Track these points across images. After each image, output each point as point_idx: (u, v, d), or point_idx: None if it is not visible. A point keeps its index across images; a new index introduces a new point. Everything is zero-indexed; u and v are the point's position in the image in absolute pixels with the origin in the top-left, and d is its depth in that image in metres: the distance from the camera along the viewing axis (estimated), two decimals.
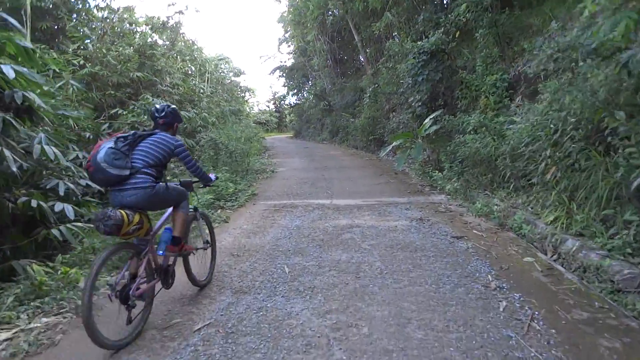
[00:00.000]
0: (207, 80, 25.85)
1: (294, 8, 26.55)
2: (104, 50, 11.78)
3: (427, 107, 11.59)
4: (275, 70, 35.92)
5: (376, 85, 14.12)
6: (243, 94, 36.58)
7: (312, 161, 14.08)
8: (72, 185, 5.33)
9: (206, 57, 27.16)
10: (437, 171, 9.40)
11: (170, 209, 3.53)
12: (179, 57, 18.85)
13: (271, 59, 44.77)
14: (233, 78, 34.51)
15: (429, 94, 11.44)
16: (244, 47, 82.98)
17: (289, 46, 32.71)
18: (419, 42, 11.08)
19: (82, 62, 11.49)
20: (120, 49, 12.67)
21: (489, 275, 3.77)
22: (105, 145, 2.97)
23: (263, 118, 47.52)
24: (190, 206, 3.75)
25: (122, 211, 2.85)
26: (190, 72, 24.25)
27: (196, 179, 3.81)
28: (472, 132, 8.42)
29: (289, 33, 30.48)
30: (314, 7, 22.11)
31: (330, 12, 22.76)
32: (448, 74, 11.13)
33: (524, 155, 6.13)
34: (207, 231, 4.17)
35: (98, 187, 5.15)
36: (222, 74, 28.94)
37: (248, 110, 41.66)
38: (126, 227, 2.84)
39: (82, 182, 6.07)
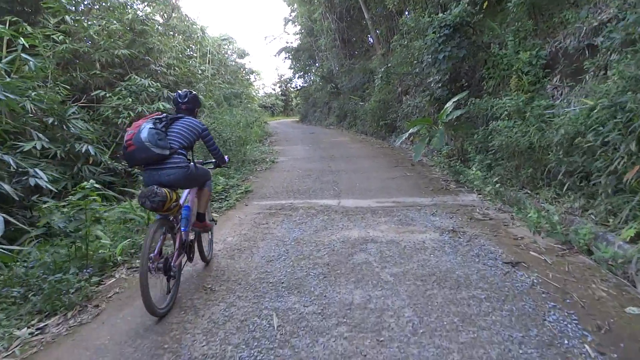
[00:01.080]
0: (209, 61, 24.35)
1: None
2: (85, 24, 10.34)
3: (447, 89, 10.11)
4: (280, 51, 34.20)
5: (388, 65, 12.56)
6: (248, 77, 35.01)
7: (317, 149, 12.66)
8: (7, 187, 4.02)
9: (207, 37, 25.61)
10: (462, 164, 7.98)
11: (189, 189, 3.67)
12: (176, 34, 17.38)
13: (277, 40, 43.01)
14: (237, 60, 32.93)
15: (450, 74, 9.95)
16: (249, 28, 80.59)
17: (295, 26, 30.99)
18: (439, 15, 9.50)
19: (61, 37, 10.05)
20: (104, 22, 11.22)
21: (587, 346, 2.38)
22: (146, 126, 3.07)
23: (269, 101, 46.00)
24: None
25: (165, 189, 3.02)
26: (189, 51, 22.80)
27: (209, 161, 4.10)
28: (506, 118, 7.00)
29: (295, 12, 28.70)
30: None
31: None
32: (472, 51, 9.59)
33: (582, 147, 4.72)
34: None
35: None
36: (225, 55, 27.32)
37: (253, 93, 40.26)
38: (169, 202, 3.03)
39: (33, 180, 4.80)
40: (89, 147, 6.81)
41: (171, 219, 3.30)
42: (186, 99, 3.62)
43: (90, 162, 7.22)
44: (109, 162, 7.38)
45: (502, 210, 5.35)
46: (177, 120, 3.43)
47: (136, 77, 10.78)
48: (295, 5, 27.46)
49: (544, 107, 6.54)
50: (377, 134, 15.65)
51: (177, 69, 15.91)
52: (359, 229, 4.86)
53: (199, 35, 21.61)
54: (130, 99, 9.90)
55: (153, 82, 10.96)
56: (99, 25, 10.90)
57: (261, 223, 5.34)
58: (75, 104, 9.78)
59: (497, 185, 5.89)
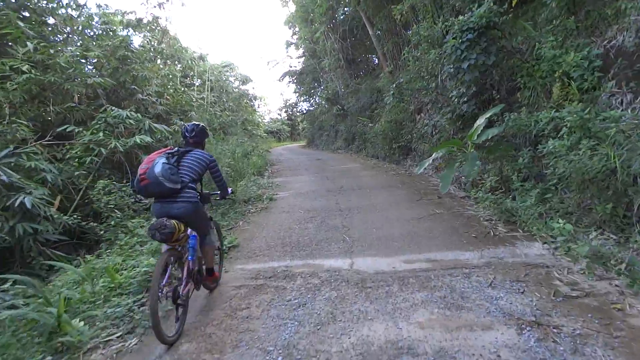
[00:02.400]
0: (208, 89, 23.10)
1: (300, 6, 23.60)
2: (51, 51, 8.93)
3: (474, 104, 8.42)
4: (284, 75, 32.99)
5: (401, 81, 10.94)
6: (252, 103, 33.81)
7: (323, 179, 10.94)
8: None
9: (207, 64, 24.47)
10: (504, 194, 6.22)
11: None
12: (167, 61, 16.09)
13: (280, 64, 41.85)
14: (241, 87, 31.80)
15: (475, 86, 8.27)
16: (252, 54, 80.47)
17: (298, 49, 29.80)
18: (460, 17, 7.89)
19: (26, 67, 8.64)
20: (79, 51, 9.84)
21: None
22: (159, 161, 3.17)
23: (275, 127, 44.80)
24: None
25: (174, 221, 3.12)
26: (187, 80, 21.56)
27: (215, 192, 4.08)
28: (565, 135, 5.32)
29: (296, 35, 27.52)
30: (322, 0, 19.10)
31: (340, 5, 19.68)
32: (502, 57, 7.95)
33: None
34: (217, 238, 4.32)
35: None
36: (226, 81, 26.10)
37: (259, 120, 39.05)
38: (177, 234, 3.14)
39: None
40: (27, 198, 5.21)
41: (179, 249, 3.36)
42: (193, 133, 3.72)
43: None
44: (55, 215, 5.77)
45: (597, 275, 3.53)
46: (187, 154, 3.53)
47: (113, 108, 9.29)
48: (297, 28, 26.26)
49: (615, 119, 4.85)
50: (390, 157, 13.94)
51: (168, 97, 14.54)
52: (385, 320, 3.08)
53: (193, 61, 20.41)
54: (101, 134, 8.35)
55: (132, 113, 9.45)
56: (70, 53, 9.48)
57: (239, 308, 3.59)
58: (38, 142, 8.33)
59: (567, 226, 4.07)
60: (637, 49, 5.56)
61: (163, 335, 2.90)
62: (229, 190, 4.14)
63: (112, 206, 6.96)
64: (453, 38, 7.91)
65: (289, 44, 29.33)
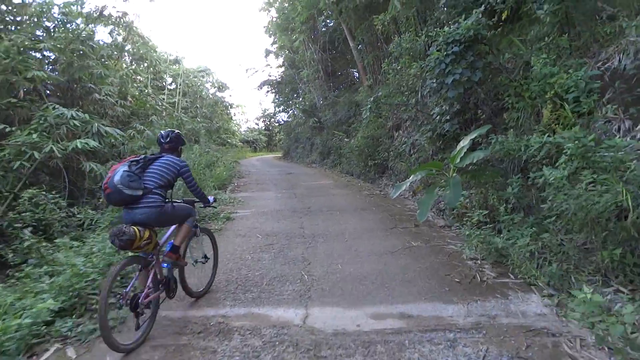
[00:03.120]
0: (179, 93, 21.96)
1: (281, 13, 22.86)
2: None
3: (457, 123, 7.69)
4: (262, 84, 32.10)
5: (379, 94, 10.15)
6: (228, 111, 32.72)
7: (291, 197, 9.97)
8: None
9: (182, 67, 23.36)
10: (491, 226, 5.40)
11: (174, 226, 3.75)
12: (132, 59, 14.93)
13: (259, 73, 41.06)
14: (217, 93, 30.71)
15: (460, 104, 7.57)
16: (231, 62, 78.71)
17: (278, 58, 29.00)
18: (445, 29, 7.17)
19: None
20: (21, 39, 8.68)
21: None
22: (120, 169, 3.16)
23: (251, 136, 43.70)
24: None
25: (134, 227, 3.05)
26: (155, 81, 20.39)
27: (196, 200, 3.96)
28: (563, 164, 4.59)
29: (276, 44, 26.72)
30: (302, 8, 18.33)
31: (322, 14, 18.97)
32: (488, 74, 7.29)
33: None
34: (208, 246, 4.35)
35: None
36: (201, 87, 24.98)
37: (235, 128, 37.94)
38: (138, 241, 3.04)
39: None
40: None
41: (149, 257, 3.31)
42: (168, 139, 3.69)
43: None
44: None
45: (611, 346, 2.69)
46: (156, 160, 3.48)
47: (56, 106, 8.16)
48: (277, 36, 25.46)
49: (619, 148, 4.15)
50: (365, 175, 13.12)
51: (131, 99, 13.40)
52: None
53: (164, 64, 19.31)
54: (35, 135, 7.22)
55: (79, 113, 8.34)
56: (12, 43, 8.32)
57: None
58: None
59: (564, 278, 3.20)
60: (637, 72, 4.92)
61: (114, 342, 2.81)
62: (210, 198, 4.13)
63: (37, 220, 5.88)
64: (437, 50, 7.19)
65: (268, 52, 28.50)
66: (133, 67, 13.66)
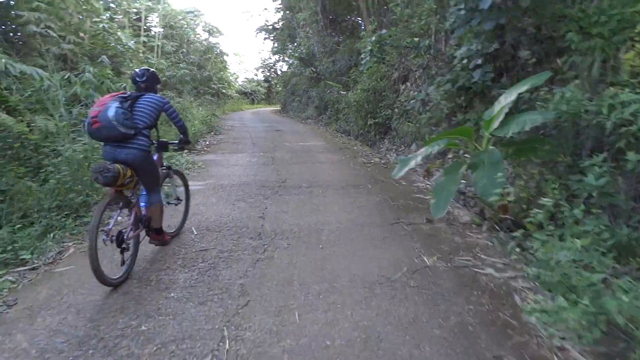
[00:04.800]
0: (158, 36, 19.18)
1: None
2: None
3: (491, 70, 5.37)
4: (259, 30, 28.95)
5: (383, 32, 7.57)
6: (222, 58, 29.74)
7: (267, 164, 7.71)
8: None
9: (164, 6, 20.42)
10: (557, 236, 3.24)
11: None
12: None
13: (255, 17, 37.41)
14: (210, 39, 27.65)
15: (499, 40, 5.24)
16: (228, 9, 72.49)
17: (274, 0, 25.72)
18: None
19: None
20: None
21: None
22: (113, 104, 2.99)
23: (249, 87, 40.67)
24: (164, 164, 3.90)
25: (117, 165, 2.95)
26: (136, 21, 17.64)
27: (172, 141, 3.80)
28: None
29: None
30: None
31: None
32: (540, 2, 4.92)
33: None
34: (180, 189, 4.24)
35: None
36: (186, 29, 22.07)
37: (230, 78, 35.01)
38: (121, 179, 2.96)
39: None
40: None
41: (130, 194, 3.30)
42: (144, 77, 3.45)
43: None
44: None
45: None
46: (140, 99, 3.31)
47: None
48: None
49: None
50: (364, 136, 10.82)
51: (83, 36, 10.90)
52: None
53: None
54: None
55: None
56: None
57: None
58: None
59: None
60: None
61: (104, 276, 2.81)
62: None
63: None
64: None
65: None
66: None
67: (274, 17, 28.25)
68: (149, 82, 3.46)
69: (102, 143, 3.19)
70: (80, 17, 11.22)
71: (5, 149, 3.93)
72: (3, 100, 6.05)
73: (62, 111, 5.46)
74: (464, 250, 3.68)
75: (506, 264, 3.40)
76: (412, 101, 8.04)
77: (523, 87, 4.03)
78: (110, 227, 2.97)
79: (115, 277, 2.96)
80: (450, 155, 5.81)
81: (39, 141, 4.48)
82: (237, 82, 38.38)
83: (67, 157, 4.34)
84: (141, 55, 12.23)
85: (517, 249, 3.26)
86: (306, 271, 3.22)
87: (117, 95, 3.15)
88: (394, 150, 9.07)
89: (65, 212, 4.00)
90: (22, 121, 4.68)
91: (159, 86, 3.65)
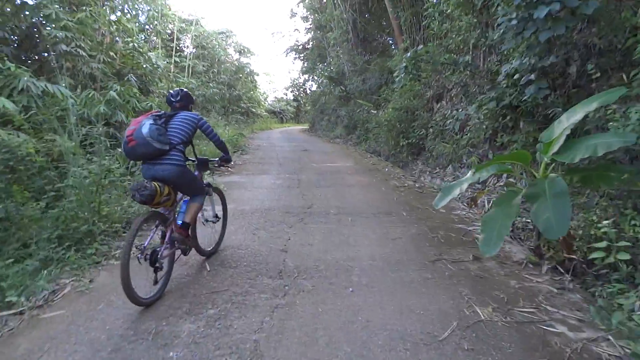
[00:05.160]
0: (190, 56, 19.37)
1: None
2: None
3: (546, 87, 4.74)
4: (289, 50, 29.05)
5: (419, 48, 7.01)
6: (252, 78, 29.93)
7: (292, 186, 7.22)
8: None
9: (197, 28, 20.72)
10: None
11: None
12: (124, 8, 12.31)
13: (285, 37, 37.67)
14: (241, 59, 27.91)
15: (556, 53, 4.63)
16: (258, 30, 73.46)
17: (306, 22, 25.78)
18: None
19: None
20: None
21: None
22: (147, 122, 3.01)
23: (278, 107, 40.86)
24: (204, 181, 3.80)
25: (155, 183, 2.95)
26: (169, 42, 17.90)
27: (213, 159, 3.81)
28: None
29: (302, 3, 23.50)
30: None
31: None
32: (605, 5, 4.34)
33: None
34: (218, 207, 4.12)
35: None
36: (218, 49, 22.27)
37: (260, 97, 35.23)
38: (158, 197, 2.95)
39: None
40: None
41: (167, 213, 3.23)
42: (178, 97, 3.53)
43: None
44: None
45: None
46: (174, 117, 3.36)
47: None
48: None
49: None
50: (395, 157, 10.24)
51: (114, 55, 10.90)
52: None
53: (168, 18, 16.72)
54: None
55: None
56: None
57: None
58: None
59: None
60: None
61: (134, 295, 2.71)
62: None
63: None
64: None
65: (293, 14, 25.32)
66: (126, 18, 11.02)
67: (304, 37, 28.31)
68: (182, 101, 3.54)
69: (138, 163, 3.24)
70: (116, 39, 11.28)
71: (7, 172, 3.59)
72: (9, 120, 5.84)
73: (72, 130, 5.16)
74: (524, 298, 3.04)
75: (581, 319, 2.74)
76: (449, 121, 7.44)
77: (591, 105, 3.42)
78: (144, 244, 2.91)
79: (147, 297, 2.90)
80: (499, 182, 5.14)
81: (44, 163, 4.14)
82: (266, 101, 38.65)
83: (73, 181, 3.99)
84: (170, 75, 12.13)
85: (598, 304, 2.61)
86: (334, 325, 2.66)
87: (151, 113, 3.21)
88: (428, 173, 8.44)
89: (67, 243, 3.60)
90: (30, 141, 4.36)
91: (192, 105, 3.69)
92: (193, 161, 3.59)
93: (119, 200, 4.94)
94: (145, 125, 2.99)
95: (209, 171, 4.08)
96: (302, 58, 29.07)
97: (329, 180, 7.73)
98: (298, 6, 24.33)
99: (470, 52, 7.37)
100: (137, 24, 16.49)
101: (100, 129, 6.64)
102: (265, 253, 3.97)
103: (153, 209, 3.13)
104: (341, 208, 5.64)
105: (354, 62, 18.29)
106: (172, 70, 16.90)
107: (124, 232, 4.36)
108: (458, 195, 3.97)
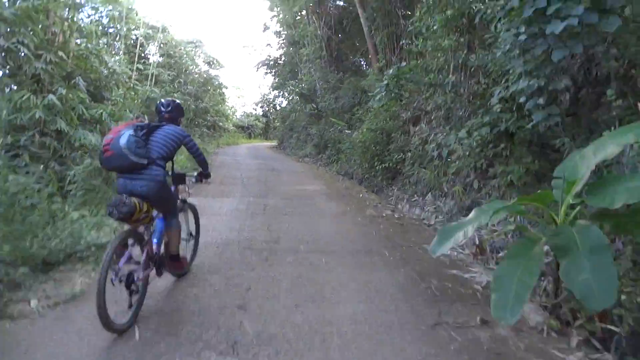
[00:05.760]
0: (153, 64, 18.25)
1: None
2: None
3: (558, 114, 4.12)
4: (260, 65, 28.30)
5: (402, 65, 6.30)
6: (221, 91, 28.85)
7: (257, 213, 6.24)
8: None
9: (166, 36, 19.67)
10: None
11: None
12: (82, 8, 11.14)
13: (257, 51, 36.89)
14: (209, 71, 26.85)
15: (567, 78, 4.00)
16: (231, 44, 72.18)
17: (279, 37, 25.14)
18: None
19: None
20: None
21: None
22: (126, 132, 2.81)
23: (247, 122, 39.82)
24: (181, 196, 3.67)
25: (134, 199, 2.75)
26: (133, 47, 16.74)
27: (190, 173, 3.72)
28: None
29: (275, 18, 22.91)
30: None
31: None
32: (625, 25, 3.75)
33: None
34: (192, 225, 3.94)
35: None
36: (184, 59, 21.20)
37: (228, 111, 34.17)
38: (138, 214, 2.76)
39: None
40: None
41: (141, 230, 3.00)
42: (169, 108, 3.35)
43: None
44: None
45: None
46: (158, 129, 3.12)
47: None
48: (277, 9, 21.63)
49: None
50: (370, 181, 9.53)
51: (63, 56, 9.70)
52: None
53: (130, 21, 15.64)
54: None
55: None
56: None
57: None
58: None
59: None
60: None
61: (110, 322, 2.50)
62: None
63: None
64: None
65: (266, 27, 24.69)
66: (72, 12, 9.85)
67: (276, 52, 27.66)
68: (172, 113, 3.35)
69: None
70: (77, 40, 10.07)
71: None
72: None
73: None
74: None
75: None
76: (432, 145, 6.79)
77: (626, 138, 2.76)
78: (120, 265, 2.65)
79: (121, 323, 2.65)
80: (506, 224, 4.41)
81: None
82: (235, 115, 37.57)
83: None
84: (129, 81, 10.98)
85: None
86: None
87: (133, 123, 2.98)
88: (405, 200, 7.74)
89: None
90: None
91: (182, 119, 3.51)
92: (169, 175, 3.26)
93: (36, 229, 3.88)
94: (124, 135, 2.78)
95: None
96: (273, 73, 28.37)
97: (298, 206, 6.86)
98: (271, 20, 23.65)
99: (457, 73, 6.81)
100: (99, 26, 15.28)
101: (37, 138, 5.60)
102: (217, 311, 3.03)
103: (128, 226, 2.90)
104: (313, 244, 4.77)
105: (327, 80, 17.70)
106: (132, 77, 15.70)
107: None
108: (462, 240, 3.21)
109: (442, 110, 7.58)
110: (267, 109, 41.69)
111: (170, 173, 3.31)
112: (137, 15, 18.64)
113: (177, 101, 3.50)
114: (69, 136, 7.12)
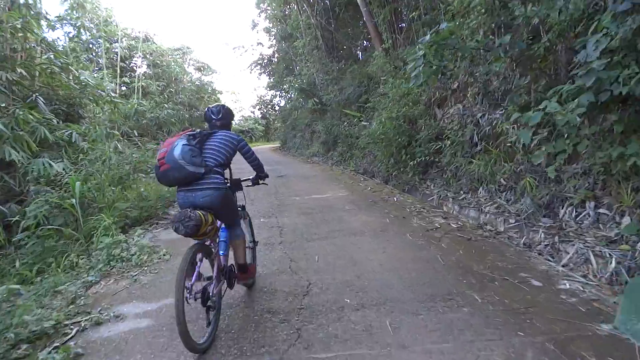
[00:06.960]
0: (139, 77, 16.72)
1: None
2: None
3: None
4: (254, 66, 26.71)
5: (443, 27, 4.63)
6: (215, 97, 27.28)
7: (270, 245, 4.65)
8: None
9: (150, 45, 18.15)
10: None
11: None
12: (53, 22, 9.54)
13: (249, 52, 35.31)
14: (202, 77, 25.29)
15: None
16: (222, 49, 70.57)
17: (270, 35, 23.48)
18: None
19: None
20: None
21: None
22: (179, 143, 2.60)
23: (246, 126, 38.28)
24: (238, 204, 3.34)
25: (199, 212, 2.52)
26: (121, 61, 15.24)
27: (246, 178, 3.41)
28: None
29: (264, 13, 21.26)
30: None
31: None
32: None
33: None
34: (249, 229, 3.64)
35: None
36: (174, 68, 19.59)
37: None
38: (204, 227, 2.52)
39: None
40: None
41: (208, 243, 2.76)
42: (220, 115, 3.10)
43: None
44: None
45: None
46: (211, 136, 2.92)
47: None
48: (264, 5, 19.96)
49: None
50: (398, 178, 7.92)
51: (24, 72, 8.15)
52: None
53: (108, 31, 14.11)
54: None
55: None
56: None
57: None
58: None
59: None
60: None
61: (192, 343, 2.29)
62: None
63: None
64: None
65: (255, 24, 23.03)
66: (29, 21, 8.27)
67: (268, 50, 26.00)
68: (224, 119, 3.10)
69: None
70: (50, 54, 8.51)
71: None
72: None
73: None
74: None
75: None
76: (517, 131, 5.15)
77: None
78: (191, 282, 2.37)
79: (201, 342, 2.39)
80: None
81: None
82: (233, 121, 36.11)
83: None
84: (105, 95, 9.40)
85: None
86: None
87: (185, 133, 2.74)
88: (451, 199, 6.13)
89: None
90: None
91: (233, 121, 3.28)
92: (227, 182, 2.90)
93: None
94: (178, 146, 2.56)
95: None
96: (267, 73, 26.79)
97: (322, 225, 5.25)
98: (259, 16, 22.00)
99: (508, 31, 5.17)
100: (78, 42, 13.92)
101: None
102: None
103: (197, 240, 2.59)
104: (361, 291, 3.18)
105: (327, 71, 16.06)
106: (117, 92, 14.16)
107: None
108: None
109: (481, 84, 5.96)
110: (265, 110, 40.17)
111: (227, 180, 2.96)
112: (117, 27, 17.16)
113: (226, 105, 3.25)
114: (23, 167, 5.59)
